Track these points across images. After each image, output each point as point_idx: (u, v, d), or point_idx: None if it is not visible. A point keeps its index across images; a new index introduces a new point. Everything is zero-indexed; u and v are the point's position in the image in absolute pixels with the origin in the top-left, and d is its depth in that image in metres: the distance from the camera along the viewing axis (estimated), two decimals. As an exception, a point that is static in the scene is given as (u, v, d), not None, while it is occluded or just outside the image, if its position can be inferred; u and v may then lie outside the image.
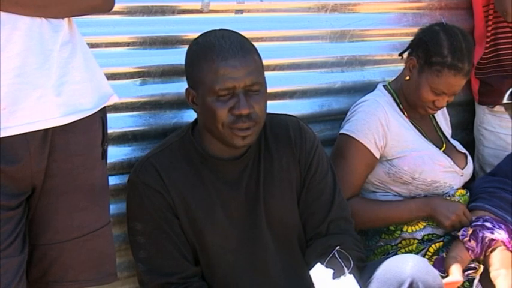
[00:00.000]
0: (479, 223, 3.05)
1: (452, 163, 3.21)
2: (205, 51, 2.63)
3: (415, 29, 3.41)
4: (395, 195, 3.17)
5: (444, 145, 3.29)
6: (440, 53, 3.10)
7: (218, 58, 2.59)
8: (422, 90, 3.14)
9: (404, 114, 3.22)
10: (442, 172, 3.17)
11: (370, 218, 3.09)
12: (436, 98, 3.14)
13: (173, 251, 2.65)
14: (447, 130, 3.43)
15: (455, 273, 2.92)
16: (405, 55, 3.26)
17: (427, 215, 3.11)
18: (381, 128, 3.12)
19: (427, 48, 3.13)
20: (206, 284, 2.69)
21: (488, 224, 3.04)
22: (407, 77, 3.19)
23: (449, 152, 3.28)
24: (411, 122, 3.22)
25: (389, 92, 3.25)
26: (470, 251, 2.99)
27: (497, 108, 3.56)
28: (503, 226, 3.05)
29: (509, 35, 3.54)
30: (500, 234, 3.01)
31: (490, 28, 3.58)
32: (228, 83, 2.59)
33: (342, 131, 3.17)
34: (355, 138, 3.11)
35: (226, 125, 2.60)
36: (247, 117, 2.60)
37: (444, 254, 3.07)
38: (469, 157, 3.35)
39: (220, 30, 2.70)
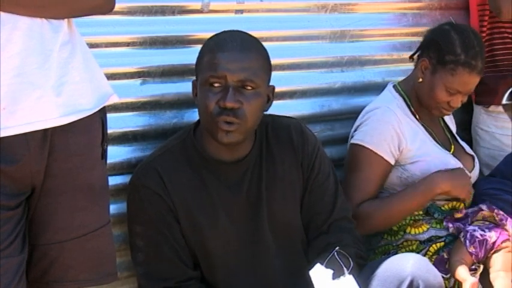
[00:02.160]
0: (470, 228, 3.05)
1: (461, 167, 3.19)
2: (211, 44, 2.67)
3: (415, 29, 3.42)
4: None
5: (453, 146, 3.27)
6: (453, 52, 3.09)
7: (217, 49, 2.62)
8: (437, 91, 3.12)
9: (415, 117, 3.20)
10: None
11: (386, 215, 3.06)
12: (451, 98, 3.12)
13: (171, 255, 2.65)
14: (453, 128, 3.41)
15: (467, 276, 2.90)
16: (415, 57, 3.24)
17: (441, 191, 3.06)
18: (396, 136, 3.09)
19: (439, 48, 3.12)
20: (204, 286, 2.68)
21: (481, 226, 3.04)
22: (420, 79, 3.16)
23: (458, 154, 3.26)
24: (422, 125, 3.20)
25: (400, 94, 3.22)
26: (474, 256, 2.99)
27: (493, 108, 3.56)
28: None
29: (505, 35, 3.54)
30: (492, 238, 3.01)
31: (485, 28, 3.57)
32: (219, 72, 2.59)
33: (354, 141, 3.13)
34: (370, 148, 3.08)
35: (212, 117, 2.59)
36: (232, 112, 2.58)
37: (445, 254, 3.07)
38: (476, 159, 3.34)
39: (233, 30, 2.73)
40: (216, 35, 2.72)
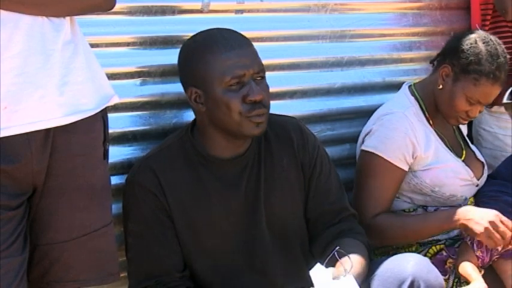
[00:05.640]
0: None
1: (472, 176, 3.18)
2: (208, 45, 2.64)
3: (415, 29, 3.41)
4: (409, 203, 3.15)
5: (464, 152, 3.24)
6: (478, 62, 3.04)
7: (225, 49, 2.61)
8: (457, 100, 3.08)
9: (429, 122, 3.17)
10: (461, 186, 3.15)
11: (400, 233, 3.04)
12: (470, 107, 3.09)
13: (159, 254, 2.64)
14: (465, 131, 3.39)
15: (478, 277, 2.92)
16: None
17: (459, 224, 2.97)
18: (410, 143, 3.06)
19: (464, 57, 3.07)
20: (190, 284, 2.67)
21: None
22: (440, 86, 3.12)
23: (469, 160, 3.23)
24: (435, 131, 3.17)
25: (416, 99, 3.19)
26: (480, 260, 3.00)
27: (495, 108, 3.55)
28: None
29: (508, 34, 3.54)
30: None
31: (487, 28, 3.56)
32: (238, 71, 2.59)
33: (367, 148, 3.10)
34: (383, 156, 3.05)
35: (243, 115, 2.59)
36: (261, 104, 2.61)
37: (444, 252, 3.07)
38: (486, 167, 3.31)
39: (216, 27, 2.72)
40: (203, 34, 2.69)
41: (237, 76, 2.59)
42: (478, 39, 3.09)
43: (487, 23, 3.56)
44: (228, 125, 2.63)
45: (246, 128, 2.61)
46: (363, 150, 3.12)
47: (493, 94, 3.10)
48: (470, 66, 3.05)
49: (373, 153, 3.07)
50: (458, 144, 3.27)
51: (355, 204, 3.04)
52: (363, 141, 3.16)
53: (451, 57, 3.12)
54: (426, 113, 3.17)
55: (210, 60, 2.61)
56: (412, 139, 3.07)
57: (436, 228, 3.05)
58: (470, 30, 3.22)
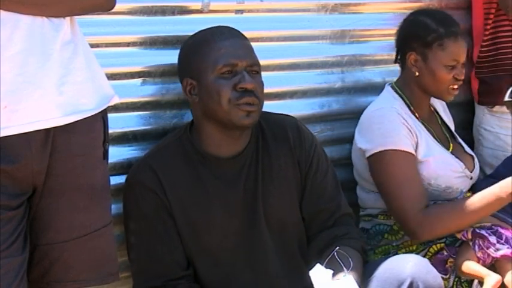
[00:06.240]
0: (483, 233, 3.04)
1: (464, 167, 3.19)
2: (204, 38, 2.69)
3: (415, 29, 3.40)
4: None
5: (451, 145, 3.26)
6: (431, 30, 3.12)
7: (220, 38, 2.66)
8: (438, 72, 3.12)
9: (415, 115, 3.19)
10: (455, 178, 3.14)
11: (457, 221, 3.00)
12: (454, 71, 3.13)
13: (163, 253, 2.65)
14: (450, 123, 3.40)
15: (489, 271, 2.92)
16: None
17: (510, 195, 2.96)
18: (409, 131, 3.07)
19: (418, 35, 3.14)
20: (196, 286, 2.68)
21: (492, 239, 3.03)
22: (417, 73, 3.16)
23: (457, 153, 3.24)
24: (422, 124, 3.19)
25: (399, 95, 3.21)
26: (481, 261, 3.00)
27: (497, 108, 3.55)
28: (508, 237, 3.05)
29: (510, 33, 3.54)
30: (503, 250, 3.02)
31: (489, 27, 3.57)
32: (231, 60, 2.62)
33: (376, 150, 3.05)
34: (394, 148, 3.03)
35: (232, 102, 2.61)
36: (252, 93, 2.62)
37: (444, 252, 3.08)
38: (476, 159, 3.32)
39: (213, 26, 2.75)
40: (201, 31, 2.74)
41: (230, 64, 2.62)
42: (417, 16, 3.21)
43: (490, 21, 3.57)
44: (218, 114, 2.64)
45: (234, 116, 2.62)
46: (371, 156, 3.07)
47: (463, 48, 3.16)
48: (428, 38, 3.12)
49: (383, 151, 3.04)
50: (444, 138, 3.29)
51: (397, 212, 3.01)
52: (362, 152, 3.12)
53: (408, 45, 3.18)
54: (411, 106, 3.20)
55: (205, 51, 2.65)
56: (408, 127, 3.08)
57: (489, 207, 3.00)
58: (406, 17, 3.27)
